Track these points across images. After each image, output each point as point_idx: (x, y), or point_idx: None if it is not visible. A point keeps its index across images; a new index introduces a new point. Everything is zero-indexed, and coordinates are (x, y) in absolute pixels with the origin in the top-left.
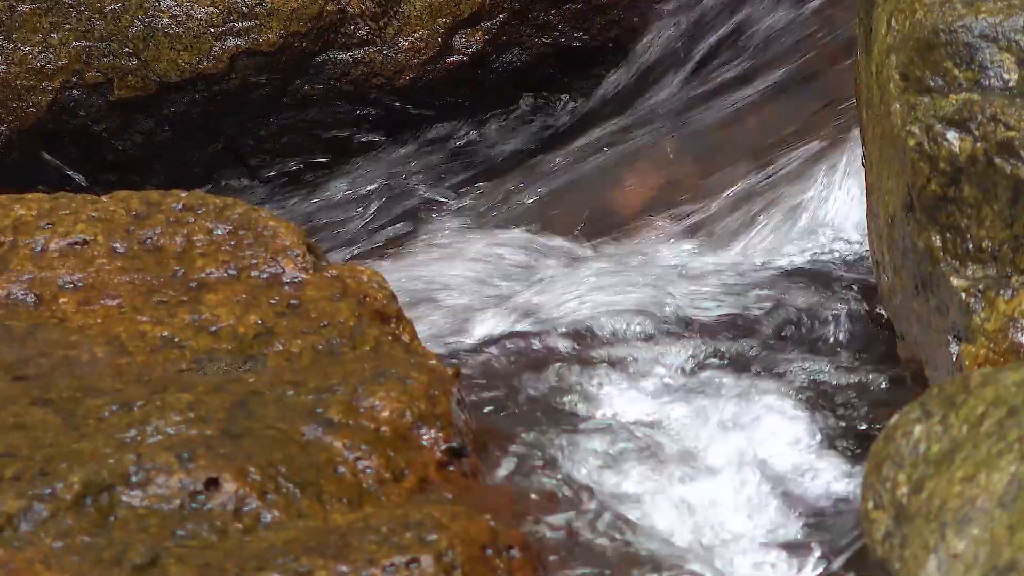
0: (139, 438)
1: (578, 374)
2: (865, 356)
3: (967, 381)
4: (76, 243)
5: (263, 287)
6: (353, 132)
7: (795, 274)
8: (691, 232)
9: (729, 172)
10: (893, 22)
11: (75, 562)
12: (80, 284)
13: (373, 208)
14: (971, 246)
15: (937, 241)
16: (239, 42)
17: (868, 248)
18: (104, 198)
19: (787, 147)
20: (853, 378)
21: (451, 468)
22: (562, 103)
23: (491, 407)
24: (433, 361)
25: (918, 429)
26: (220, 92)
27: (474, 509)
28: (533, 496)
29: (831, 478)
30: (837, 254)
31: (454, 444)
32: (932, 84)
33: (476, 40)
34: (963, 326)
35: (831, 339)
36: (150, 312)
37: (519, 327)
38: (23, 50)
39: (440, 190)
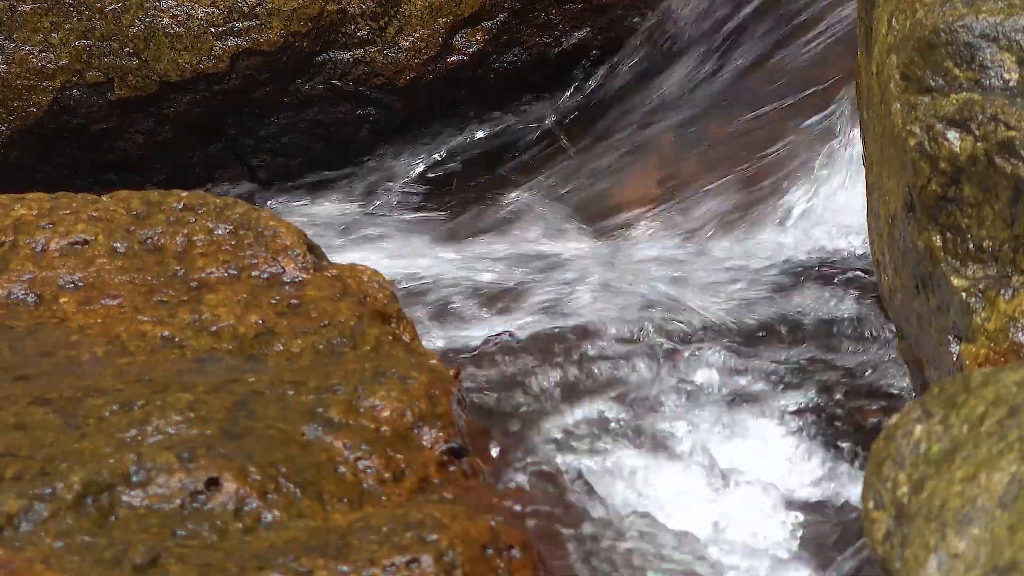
0: (140, 438)
1: (579, 373)
2: (865, 356)
3: (967, 381)
4: (77, 243)
5: (264, 287)
6: (354, 132)
7: (795, 273)
8: (691, 230)
9: (730, 170)
10: (894, 22)
11: (75, 562)
12: (81, 284)
13: (374, 208)
14: (972, 246)
15: (937, 241)
16: (240, 42)
17: (868, 248)
18: (104, 198)
19: (788, 145)
20: (853, 378)
21: (451, 468)
22: (562, 102)
23: (492, 407)
24: (433, 361)
25: (919, 429)
26: (221, 92)
27: (475, 509)
28: (533, 496)
29: (831, 478)
30: (837, 253)
31: (454, 444)
32: (932, 84)
33: (477, 40)
34: (963, 326)
35: (831, 338)
36: (151, 312)
37: (520, 326)
38: (24, 50)
39: (441, 189)
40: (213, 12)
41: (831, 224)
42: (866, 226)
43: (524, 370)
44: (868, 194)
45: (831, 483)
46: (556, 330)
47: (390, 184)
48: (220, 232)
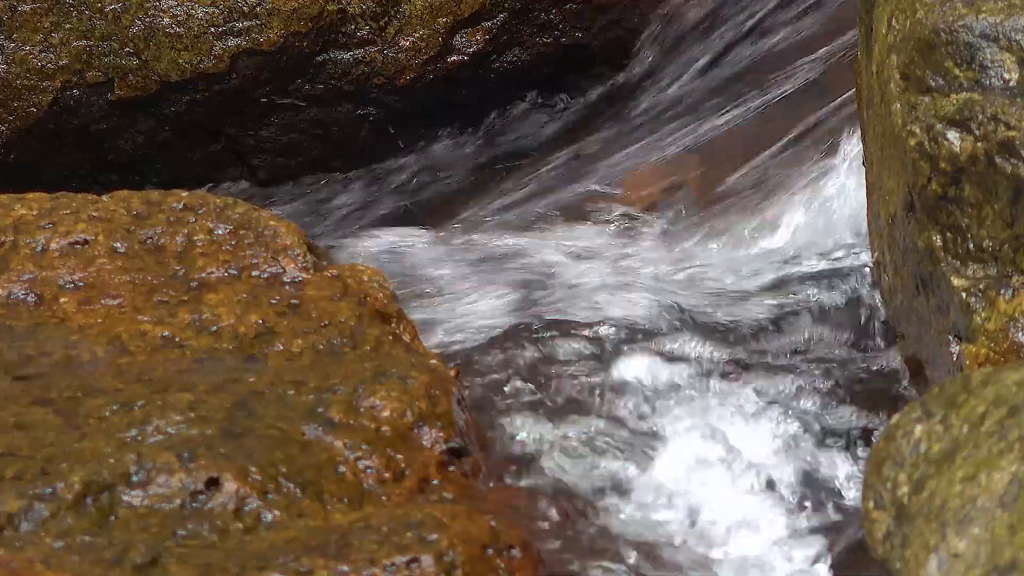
0: (140, 438)
1: (579, 373)
2: (865, 356)
3: (968, 381)
4: (77, 243)
5: (264, 287)
6: (354, 132)
7: (795, 273)
8: (692, 230)
9: (730, 170)
10: (894, 22)
11: (76, 562)
12: (81, 284)
13: (374, 207)
14: (972, 246)
15: (938, 241)
16: (240, 42)
17: (868, 248)
18: (105, 198)
19: (788, 145)
20: (853, 378)
21: (452, 468)
22: (562, 102)
23: (492, 406)
24: (434, 361)
25: (919, 429)
26: (221, 92)
27: (475, 509)
28: (534, 496)
29: (832, 478)
30: (837, 254)
31: (455, 444)
32: (933, 84)
33: (477, 40)
34: (964, 326)
35: (831, 339)
36: (151, 312)
37: (520, 326)
38: (24, 50)
39: (441, 189)
40: (213, 12)
41: (831, 223)
42: (866, 226)
43: (526, 369)
44: (868, 194)
45: (831, 483)
46: (558, 329)
47: (390, 184)
48: (220, 232)
